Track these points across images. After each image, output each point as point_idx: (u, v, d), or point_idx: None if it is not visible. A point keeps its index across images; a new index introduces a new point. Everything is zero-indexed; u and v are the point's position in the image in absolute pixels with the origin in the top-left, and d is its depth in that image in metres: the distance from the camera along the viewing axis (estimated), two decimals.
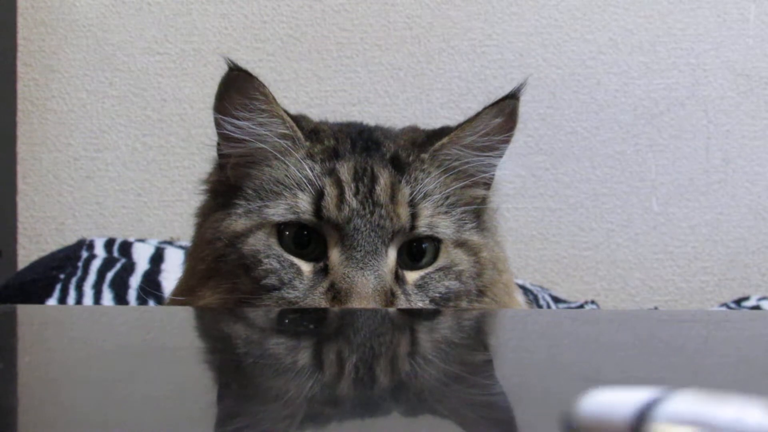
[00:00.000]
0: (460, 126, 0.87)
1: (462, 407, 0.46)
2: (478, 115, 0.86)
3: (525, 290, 1.49)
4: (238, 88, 0.84)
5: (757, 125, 1.84)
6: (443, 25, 1.83)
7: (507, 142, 0.89)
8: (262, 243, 0.81)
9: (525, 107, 1.79)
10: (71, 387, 0.49)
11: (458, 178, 0.87)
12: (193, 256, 0.91)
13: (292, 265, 0.81)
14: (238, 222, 0.83)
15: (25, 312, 0.83)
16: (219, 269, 0.84)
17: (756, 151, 1.84)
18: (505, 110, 0.86)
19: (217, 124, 0.86)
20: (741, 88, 1.84)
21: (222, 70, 0.85)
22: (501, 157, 0.89)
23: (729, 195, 1.84)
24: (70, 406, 0.45)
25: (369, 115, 1.78)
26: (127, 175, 1.82)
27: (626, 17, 1.84)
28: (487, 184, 0.91)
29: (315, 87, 1.83)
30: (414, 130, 0.94)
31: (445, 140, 0.86)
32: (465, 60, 1.83)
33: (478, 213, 0.89)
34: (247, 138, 0.85)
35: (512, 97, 0.86)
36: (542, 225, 1.84)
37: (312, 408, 0.45)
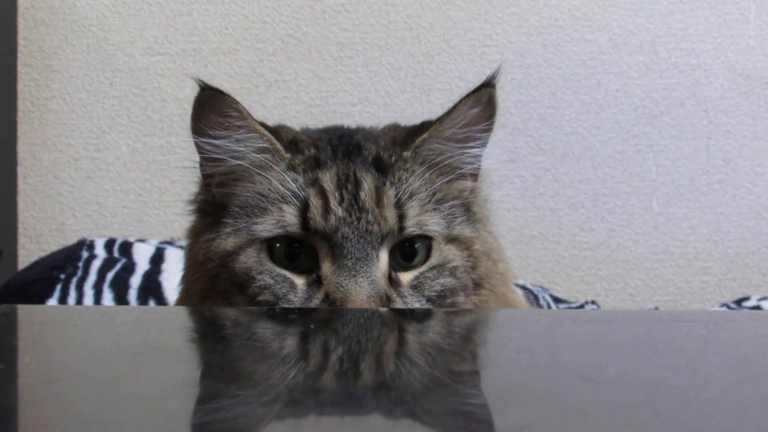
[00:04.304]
0: (439, 120, 0.86)
1: (461, 407, 0.46)
2: (455, 107, 0.85)
3: (525, 290, 1.49)
4: (211, 107, 0.83)
5: (758, 125, 1.84)
6: (443, 26, 1.83)
7: (488, 131, 0.87)
8: (253, 260, 0.81)
9: (525, 107, 1.82)
10: (71, 387, 0.49)
11: (443, 172, 0.86)
12: (188, 277, 0.90)
13: (285, 279, 0.81)
14: (227, 241, 0.83)
15: (25, 312, 0.83)
16: (215, 289, 0.84)
17: (756, 151, 1.84)
18: (482, 99, 0.85)
19: (196, 146, 0.86)
20: (741, 89, 1.84)
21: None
22: (484, 146, 0.88)
23: (729, 195, 1.84)
24: (70, 406, 0.45)
25: (369, 115, 1.78)
26: (128, 176, 1.82)
27: (626, 17, 1.84)
28: (474, 175, 0.90)
29: (315, 87, 1.83)
30: (395, 128, 0.92)
31: (425, 135, 0.85)
32: (465, 60, 1.83)
33: (467, 205, 0.88)
34: (226, 156, 0.84)
35: (488, 86, 0.85)
36: (542, 225, 1.84)
37: (306, 405, 0.45)
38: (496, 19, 1.83)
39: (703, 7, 1.84)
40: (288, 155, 0.84)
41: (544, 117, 1.83)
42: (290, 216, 0.81)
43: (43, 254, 1.62)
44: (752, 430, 0.42)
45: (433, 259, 0.83)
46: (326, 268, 0.80)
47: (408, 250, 0.83)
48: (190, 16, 1.82)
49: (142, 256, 1.47)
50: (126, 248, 1.51)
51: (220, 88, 0.84)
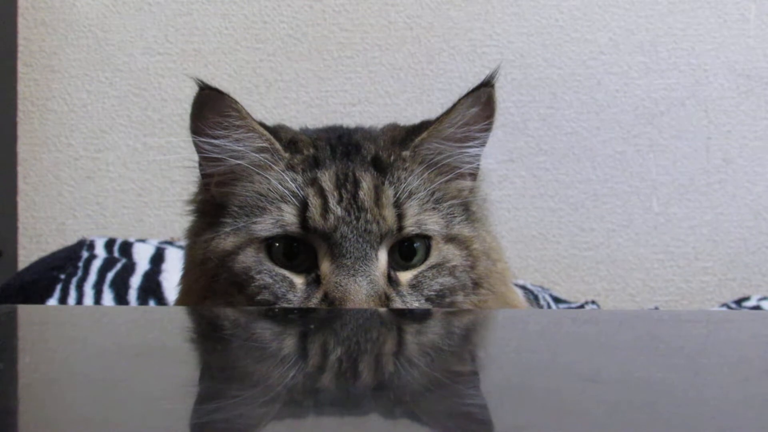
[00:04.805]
0: (438, 119, 0.86)
1: (461, 408, 0.46)
2: (454, 106, 0.85)
3: (525, 290, 1.49)
4: (211, 107, 0.83)
5: (758, 125, 1.84)
6: (444, 26, 1.83)
7: (487, 130, 0.87)
8: (252, 259, 0.81)
9: (525, 107, 1.82)
10: (71, 387, 0.49)
11: (442, 171, 0.86)
12: (187, 277, 0.90)
13: (285, 278, 0.81)
14: (226, 240, 0.83)
15: (25, 312, 0.83)
16: (214, 289, 0.84)
17: (756, 151, 1.84)
18: (480, 99, 0.85)
19: (195, 145, 0.86)
20: (741, 88, 1.84)
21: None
22: (483, 146, 0.88)
23: (729, 195, 1.84)
24: (70, 406, 0.45)
25: (369, 115, 1.78)
26: (128, 175, 1.82)
27: (626, 17, 1.84)
28: (473, 175, 0.90)
29: (315, 87, 1.83)
30: (394, 128, 0.92)
31: (424, 135, 0.86)
32: (465, 60, 1.83)
33: (466, 205, 0.88)
34: (225, 156, 0.84)
35: (487, 85, 0.85)
36: (543, 225, 1.84)
37: (306, 405, 0.45)
38: (496, 19, 1.83)
39: (703, 7, 1.84)
40: (287, 155, 0.85)
41: (544, 117, 1.83)
42: (289, 215, 0.81)
43: (43, 254, 1.62)
44: (752, 430, 0.42)
45: (432, 259, 0.83)
46: (325, 267, 0.80)
47: (407, 250, 0.83)
48: (190, 16, 1.82)
49: (142, 256, 1.47)
50: (126, 248, 1.51)
51: (220, 88, 0.84)
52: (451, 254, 0.84)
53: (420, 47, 1.83)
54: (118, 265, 1.42)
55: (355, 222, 0.80)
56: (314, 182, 0.82)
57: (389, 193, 0.82)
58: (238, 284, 0.82)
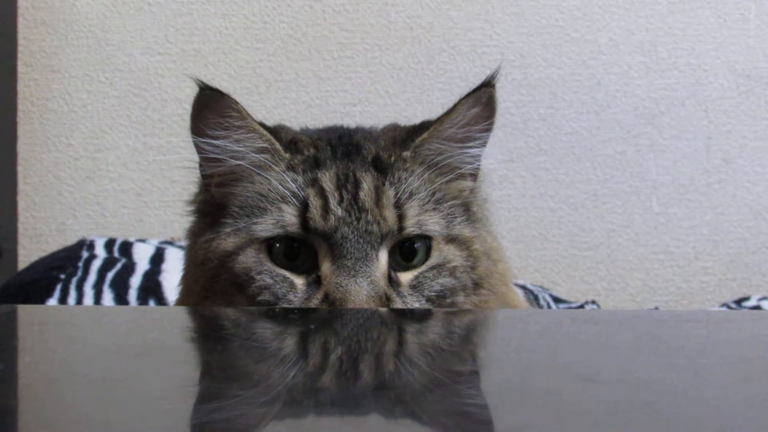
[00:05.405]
0: (439, 119, 0.86)
1: (461, 407, 0.46)
2: (454, 107, 0.85)
3: (525, 290, 1.49)
4: (211, 108, 0.83)
5: (758, 125, 1.84)
6: (444, 26, 1.83)
7: (488, 130, 0.87)
8: (252, 260, 0.81)
9: (525, 107, 1.82)
10: (71, 387, 0.49)
11: (442, 172, 0.86)
12: (187, 277, 0.91)
13: (285, 279, 0.81)
14: (227, 241, 0.83)
15: (25, 312, 0.83)
16: (214, 290, 0.84)
17: (756, 151, 1.84)
18: (481, 99, 0.85)
19: (195, 146, 0.86)
20: (741, 88, 1.84)
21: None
22: (484, 146, 0.88)
23: (729, 195, 1.84)
24: (70, 406, 0.45)
25: (369, 115, 1.78)
26: (128, 176, 1.82)
27: (626, 17, 1.84)
28: (474, 175, 0.90)
29: (316, 87, 1.83)
30: (395, 128, 0.92)
31: (425, 135, 0.85)
32: (465, 60, 1.83)
33: (467, 205, 0.88)
34: (225, 156, 0.84)
35: (487, 86, 0.85)
36: (543, 225, 1.84)
37: (306, 405, 0.45)
38: (496, 19, 1.83)
39: (703, 7, 1.84)
40: (287, 155, 0.85)
41: (544, 117, 1.83)
42: (290, 216, 0.81)
43: (43, 254, 1.62)
44: (752, 430, 0.42)
45: (433, 259, 0.83)
46: (326, 268, 0.80)
47: (407, 250, 0.83)
48: (190, 16, 1.82)
49: (142, 256, 1.47)
50: (126, 248, 1.51)
51: (220, 88, 0.84)
52: (452, 255, 0.84)
53: (420, 47, 1.83)
54: (118, 265, 1.42)
55: (355, 222, 0.80)
56: (315, 183, 0.82)
57: (390, 193, 0.82)
58: (239, 285, 0.82)
